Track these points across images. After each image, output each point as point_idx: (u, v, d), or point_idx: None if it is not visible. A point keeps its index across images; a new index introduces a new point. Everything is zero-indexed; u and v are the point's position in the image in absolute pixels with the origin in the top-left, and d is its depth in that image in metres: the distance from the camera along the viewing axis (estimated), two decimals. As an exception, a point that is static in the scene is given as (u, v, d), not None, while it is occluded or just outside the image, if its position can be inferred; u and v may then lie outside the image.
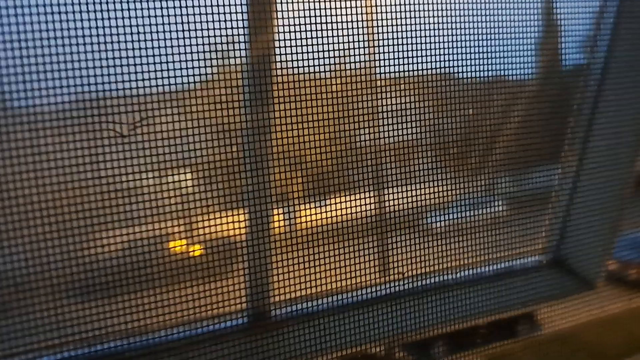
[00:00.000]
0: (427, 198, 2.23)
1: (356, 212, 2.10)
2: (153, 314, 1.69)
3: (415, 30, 2.13)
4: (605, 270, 2.14)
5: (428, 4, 2.11)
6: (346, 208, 2.12)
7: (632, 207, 3.10)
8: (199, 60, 1.72)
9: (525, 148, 2.40)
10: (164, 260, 1.75)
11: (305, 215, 2.21)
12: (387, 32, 2.10)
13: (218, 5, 1.67)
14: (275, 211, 2.14)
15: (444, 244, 2.10)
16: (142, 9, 1.61)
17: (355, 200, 2.16)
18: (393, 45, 2.15)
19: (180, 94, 1.77)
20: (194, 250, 1.96)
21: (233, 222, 1.84)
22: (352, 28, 2.03)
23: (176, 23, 1.66)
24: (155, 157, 1.74)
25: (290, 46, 1.88)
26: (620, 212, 2.13)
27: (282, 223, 2.24)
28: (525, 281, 2.07)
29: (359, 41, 2.09)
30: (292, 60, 1.96)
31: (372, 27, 2.07)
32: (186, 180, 1.94)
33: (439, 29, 2.15)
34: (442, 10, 2.13)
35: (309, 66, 1.99)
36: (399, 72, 2.25)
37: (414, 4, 2.08)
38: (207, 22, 1.68)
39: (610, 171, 2.14)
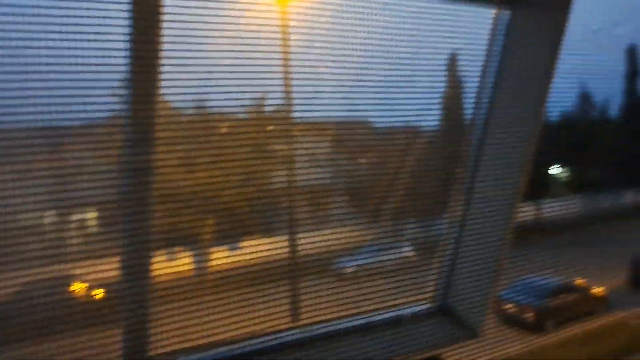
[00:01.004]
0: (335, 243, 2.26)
1: (264, 256, 2.09)
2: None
3: (329, 80, 2.19)
4: (487, 318, 2.23)
5: (342, 54, 2.17)
6: (254, 251, 2.11)
7: (528, 254, 3.28)
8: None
9: (419, 197, 2.49)
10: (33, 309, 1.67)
11: (211, 260, 2.19)
12: (303, 79, 2.14)
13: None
14: (182, 254, 2.11)
15: (338, 291, 2.13)
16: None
17: (264, 244, 2.16)
18: (308, 91, 2.19)
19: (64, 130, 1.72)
20: (71, 298, 1.89)
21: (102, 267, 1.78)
22: (268, 72, 2.06)
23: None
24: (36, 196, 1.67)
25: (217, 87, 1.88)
26: (500, 263, 2.24)
27: (184, 267, 2.21)
28: (414, 329, 2.13)
29: (273, 85, 2.12)
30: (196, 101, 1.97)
31: (288, 72, 2.10)
32: (69, 222, 1.88)
33: (352, 79, 2.22)
34: (354, 59, 2.20)
35: (210, 107, 2.01)
36: (312, 117, 2.30)
37: (332, 54, 2.13)
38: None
39: (491, 221, 2.25)
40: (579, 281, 4.05)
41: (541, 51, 2.25)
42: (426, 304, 2.23)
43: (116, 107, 1.78)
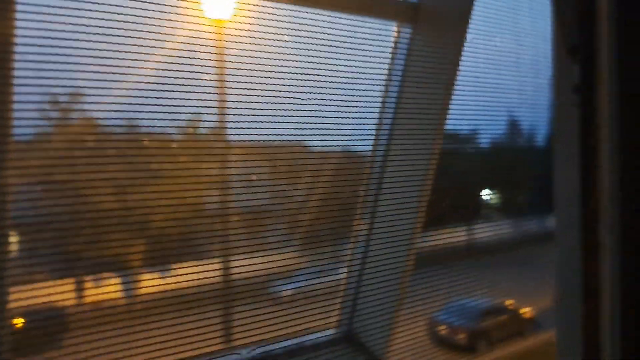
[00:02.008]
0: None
1: (196, 280, 2.04)
2: None
3: (266, 102, 2.19)
4: (390, 345, 2.25)
5: (279, 78, 2.18)
6: (186, 275, 2.05)
7: (457, 275, 3.36)
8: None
9: (333, 220, 2.49)
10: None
11: (141, 285, 2.11)
12: (239, 100, 2.13)
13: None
14: (112, 279, 2.02)
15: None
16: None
17: (197, 268, 2.10)
18: (243, 113, 2.17)
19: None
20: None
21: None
22: (202, 93, 2.03)
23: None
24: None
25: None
26: (402, 290, 2.28)
27: (113, 292, 2.12)
28: (318, 357, 2.12)
29: (207, 107, 2.09)
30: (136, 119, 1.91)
31: (223, 93, 2.09)
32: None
33: (289, 101, 2.22)
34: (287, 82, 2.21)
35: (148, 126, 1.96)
36: (248, 139, 2.27)
37: (265, 71, 2.14)
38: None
39: (392, 248, 2.29)
40: (508, 302, 4.18)
41: (441, 67, 2.36)
42: (330, 330, 2.24)
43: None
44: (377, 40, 2.44)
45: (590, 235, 1.84)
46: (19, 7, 1.61)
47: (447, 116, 2.45)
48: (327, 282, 2.40)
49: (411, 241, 2.31)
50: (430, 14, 2.39)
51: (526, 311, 4.29)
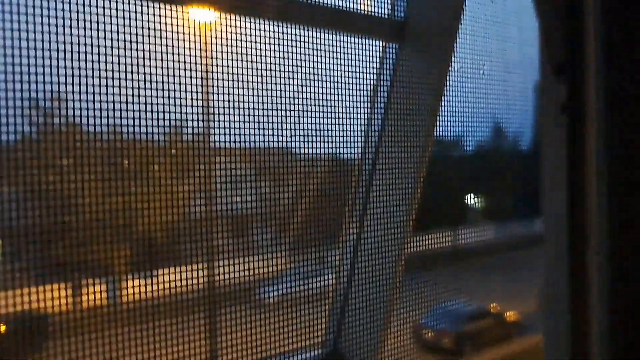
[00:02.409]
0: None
1: (183, 286, 2.01)
2: None
3: (251, 103, 2.17)
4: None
5: (268, 82, 2.17)
6: (173, 281, 2.03)
7: (446, 279, 3.37)
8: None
9: (321, 226, 2.47)
10: None
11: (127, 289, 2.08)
12: (224, 105, 2.11)
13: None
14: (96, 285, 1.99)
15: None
16: None
17: (182, 272, 2.08)
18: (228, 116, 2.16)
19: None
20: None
21: None
22: (187, 98, 2.02)
23: None
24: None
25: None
26: (390, 306, 2.26)
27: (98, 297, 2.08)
28: None
29: (193, 112, 2.08)
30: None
31: (208, 97, 2.07)
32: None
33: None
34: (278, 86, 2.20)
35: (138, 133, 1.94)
36: (233, 143, 2.26)
37: (252, 75, 2.13)
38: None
39: (382, 254, 2.27)
40: (494, 306, 4.20)
41: (429, 82, 2.36)
42: (317, 348, 2.20)
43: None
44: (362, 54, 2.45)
45: (579, 240, 1.85)
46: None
47: (436, 123, 2.45)
48: (314, 287, 2.39)
49: (401, 248, 2.29)
50: (416, 31, 2.40)
51: (512, 314, 4.31)
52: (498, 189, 4.07)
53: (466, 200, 3.98)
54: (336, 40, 2.33)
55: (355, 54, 2.39)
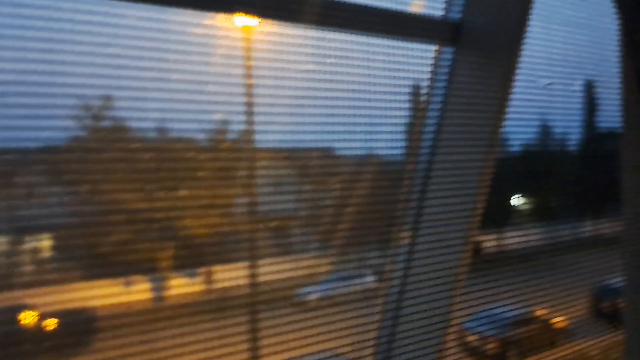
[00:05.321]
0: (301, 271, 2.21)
1: (227, 285, 2.03)
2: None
3: (294, 106, 2.18)
4: None
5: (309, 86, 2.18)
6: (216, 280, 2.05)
7: (490, 283, 3.30)
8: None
9: (370, 228, 2.44)
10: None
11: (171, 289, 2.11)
12: (266, 106, 2.12)
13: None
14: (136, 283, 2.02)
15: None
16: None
17: (227, 272, 2.10)
18: (270, 119, 2.17)
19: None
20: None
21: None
22: (231, 98, 2.04)
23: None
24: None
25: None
26: (450, 315, 2.19)
27: (143, 296, 2.11)
28: None
29: (236, 112, 2.09)
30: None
31: (251, 100, 2.08)
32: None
33: (317, 106, 2.21)
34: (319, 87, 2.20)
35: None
36: (276, 145, 2.27)
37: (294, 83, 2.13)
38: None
39: (439, 263, 2.21)
40: (540, 311, 4.09)
41: (491, 85, 2.29)
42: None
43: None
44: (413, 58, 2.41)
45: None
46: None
47: (502, 125, 2.38)
48: (362, 289, 2.36)
49: (463, 251, 2.23)
50: (474, 34, 2.31)
51: (560, 321, 4.19)
52: (549, 190, 3.97)
53: (520, 202, 3.91)
54: (383, 44, 2.32)
55: (402, 56, 2.36)
